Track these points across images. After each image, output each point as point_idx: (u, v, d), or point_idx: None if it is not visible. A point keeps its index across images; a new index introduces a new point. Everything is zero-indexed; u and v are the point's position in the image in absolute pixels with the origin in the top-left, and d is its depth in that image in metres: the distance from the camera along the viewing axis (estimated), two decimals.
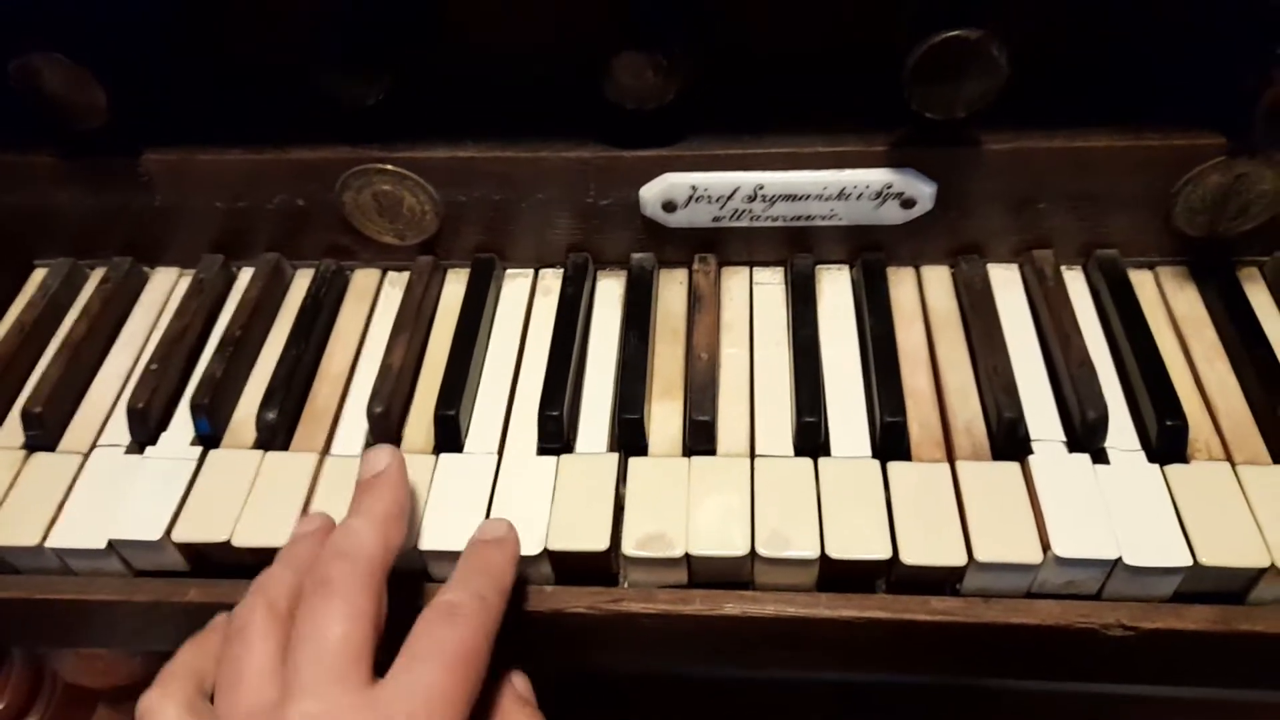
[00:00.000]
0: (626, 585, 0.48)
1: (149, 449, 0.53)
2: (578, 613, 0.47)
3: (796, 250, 0.60)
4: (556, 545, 0.47)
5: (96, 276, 0.63)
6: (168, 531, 0.49)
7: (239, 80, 0.58)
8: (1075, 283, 0.59)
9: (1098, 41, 0.54)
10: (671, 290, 0.60)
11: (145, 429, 0.53)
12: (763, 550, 0.46)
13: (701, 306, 0.57)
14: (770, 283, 0.61)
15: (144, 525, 0.49)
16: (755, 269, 0.61)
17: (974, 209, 0.57)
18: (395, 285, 0.62)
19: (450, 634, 0.39)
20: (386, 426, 0.52)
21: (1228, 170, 0.54)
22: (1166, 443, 0.49)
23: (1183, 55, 0.53)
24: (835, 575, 0.47)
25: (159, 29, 0.56)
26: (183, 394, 0.56)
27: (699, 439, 0.51)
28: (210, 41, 0.57)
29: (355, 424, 0.54)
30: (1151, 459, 0.49)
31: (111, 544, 0.49)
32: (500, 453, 0.52)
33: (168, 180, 0.59)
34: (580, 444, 0.52)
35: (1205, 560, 0.44)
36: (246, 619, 0.41)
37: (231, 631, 0.41)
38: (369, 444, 0.53)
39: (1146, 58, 0.54)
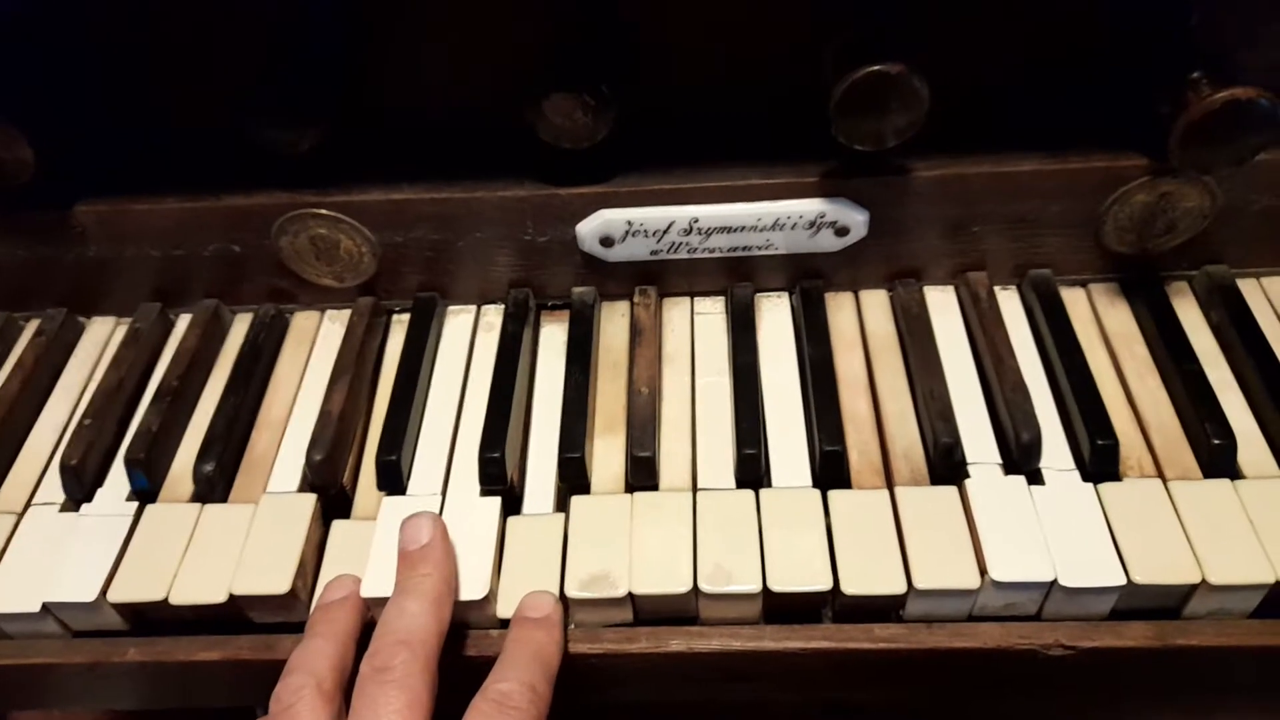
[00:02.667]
0: (573, 626, 0.48)
1: (85, 506, 0.52)
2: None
3: (736, 280, 0.61)
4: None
5: (30, 329, 0.62)
6: (103, 592, 0.48)
7: (170, 130, 0.58)
8: (1010, 302, 0.59)
9: (1022, 69, 0.55)
10: (614, 323, 0.60)
11: (80, 486, 0.53)
12: (705, 586, 0.46)
13: (641, 340, 0.57)
14: (711, 312, 0.61)
15: (78, 587, 0.48)
16: (696, 299, 0.62)
17: (907, 234, 0.58)
18: (336, 326, 0.61)
19: None
20: (327, 473, 0.52)
21: (1152, 189, 0.55)
22: (1099, 462, 0.50)
23: (1104, 80, 0.54)
24: (780, 606, 0.47)
25: (83, 82, 0.56)
26: (119, 448, 0.55)
27: (640, 475, 0.51)
28: (139, 94, 0.57)
29: (291, 470, 0.53)
30: (1085, 478, 0.50)
31: (46, 607, 0.48)
32: (444, 495, 0.52)
33: (101, 231, 0.58)
34: (529, 485, 0.52)
35: (1138, 579, 0.45)
36: (293, 698, 0.41)
37: (277, 711, 0.41)
38: (303, 489, 0.52)
39: (1070, 83, 0.55)
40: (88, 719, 0.84)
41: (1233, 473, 0.49)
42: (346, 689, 0.42)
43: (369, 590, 0.47)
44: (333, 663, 0.42)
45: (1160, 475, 0.50)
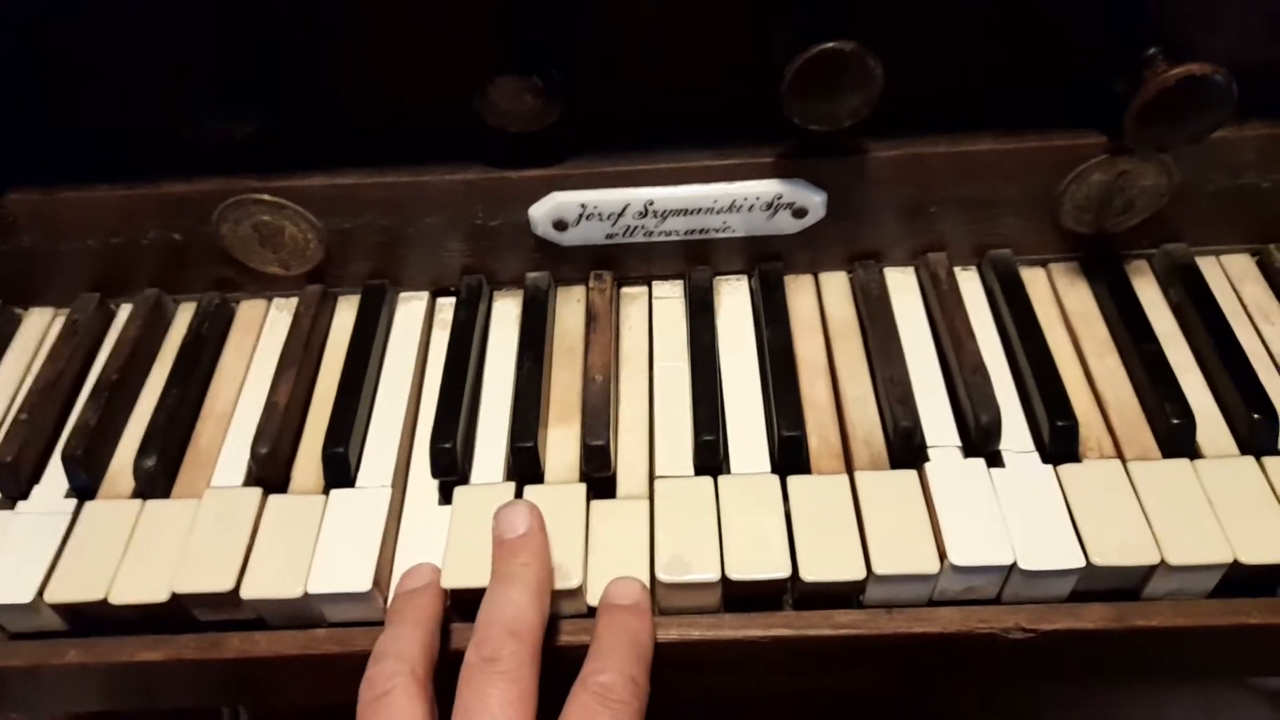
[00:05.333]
0: None
1: (21, 504, 0.51)
2: None
3: (694, 263, 0.60)
4: (452, 583, 0.46)
5: None
6: (40, 592, 0.46)
7: (104, 116, 0.55)
8: (970, 283, 0.59)
9: (978, 47, 0.54)
10: (569, 309, 0.59)
11: (16, 483, 0.51)
12: (662, 575, 0.45)
13: (596, 326, 0.56)
14: (670, 296, 0.60)
15: (15, 587, 0.46)
16: (654, 283, 0.60)
17: (866, 215, 0.57)
18: (284, 314, 0.59)
19: None
20: (273, 467, 0.51)
21: (1110, 168, 0.55)
22: (1058, 443, 0.49)
23: (1061, 58, 0.54)
24: (740, 595, 0.46)
25: (11, 70, 0.54)
26: (57, 443, 0.53)
27: (595, 464, 0.50)
28: (70, 81, 0.55)
29: (236, 464, 0.52)
30: (1045, 459, 0.49)
31: None
32: (394, 487, 0.50)
33: (34, 221, 0.56)
34: (476, 474, 0.51)
35: (1097, 560, 0.45)
36: (387, 684, 0.40)
37: (371, 698, 0.40)
38: (248, 483, 0.51)
39: (1027, 61, 0.54)
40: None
41: (1191, 452, 0.49)
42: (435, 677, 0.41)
43: (315, 587, 0.46)
44: (424, 650, 0.41)
45: (1119, 456, 0.49)
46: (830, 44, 0.46)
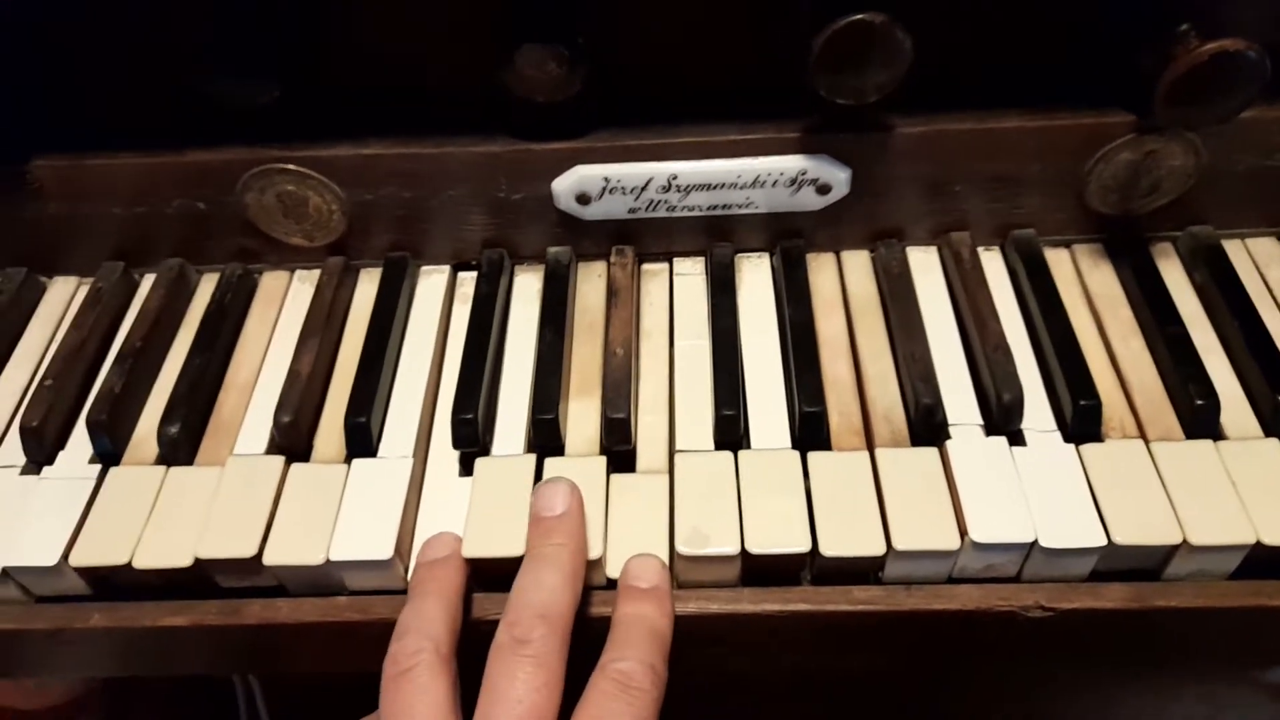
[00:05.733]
0: None
1: (46, 469, 0.51)
2: (493, 620, 0.46)
3: (716, 239, 0.59)
4: (473, 552, 0.46)
5: None
6: (65, 556, 0.47)
7: (128, 82, 0.55)
8: (993, 263, 0.59)
9: (1006, 22, 0.53)
10: (590, 284, 0.59)
11: (41, 448, 0.51)
12: (682, 548, 0.45)
13: (618, 301, 0.56)
14: (691, 273, 0.60)
15: (39, 550, 0.47)
16: (676, 259, 0.60)
17: (890, 193, 0.57)
18: (306, 286, 0.60)
19: (627, 713, 0.39)
20: (295, 436, 0.51)
21: (1138, 147, 0.54)
22: (1080, 423, 0.49)
23: (1090, 34, 0.53)
24: (759, 569, 0.46)
25: (36, 36, 0.54)
26: (82, 410, 0.53)
27: (615, 437, 0.50)
28: (95, 50, 0.55)
29: (258, 433, 0.52)
30: (1067, 439, 0.49)
31: (7, 571, 0.47)
32: (416, 458, 0.51)
33: (60, 187, 0.56)
34: (496, 446, 0.51)
35: (1119, 539, 0.44)
36: (411, 660, 0.40)
37: (395, 674, 0.40)
38: (270, 451, 0.51)
39: (1055, 37, 0.54)
40: (77, 688, 0.84)
41: (1215, 434, 0.49)
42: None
43: (337, 555, 0.46)
44: (447, 625, 0.42)
45: (1142, 436, 0.49)
46: (860, 15, 0.45)
